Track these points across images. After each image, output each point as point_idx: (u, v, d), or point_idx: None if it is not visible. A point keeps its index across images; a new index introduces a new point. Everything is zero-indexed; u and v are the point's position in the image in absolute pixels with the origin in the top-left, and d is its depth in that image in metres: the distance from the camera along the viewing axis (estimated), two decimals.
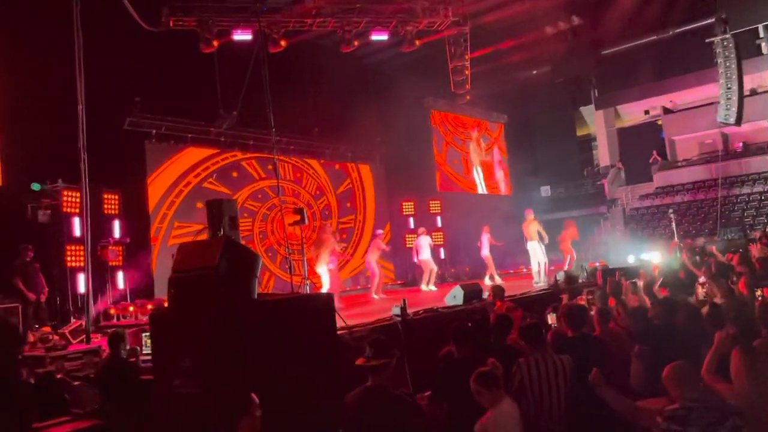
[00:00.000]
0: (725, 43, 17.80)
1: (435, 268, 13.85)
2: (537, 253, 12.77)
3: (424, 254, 13.55)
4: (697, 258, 11.62)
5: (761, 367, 3.65)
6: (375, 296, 12.53)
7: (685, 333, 4.89)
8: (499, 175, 21.76)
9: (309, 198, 15.97)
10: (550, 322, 5.51)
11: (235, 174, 14.32)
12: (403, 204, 17.93)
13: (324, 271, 10.94)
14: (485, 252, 14.25)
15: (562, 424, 4.18)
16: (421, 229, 14.28)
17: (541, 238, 12.83)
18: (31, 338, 8.30)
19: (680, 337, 4.77)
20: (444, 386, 4.40)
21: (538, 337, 4.47)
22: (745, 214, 19.94)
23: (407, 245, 17.37)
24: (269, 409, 3.38)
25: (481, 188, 21.04)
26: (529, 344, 4.44)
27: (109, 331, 9.27)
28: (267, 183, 14.79)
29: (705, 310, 5.57)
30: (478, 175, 20.93)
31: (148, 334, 6.49)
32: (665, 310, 5.18)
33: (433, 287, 13.45)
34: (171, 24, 12.84)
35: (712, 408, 3.27)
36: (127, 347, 6.18)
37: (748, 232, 17.90)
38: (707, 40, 18.62)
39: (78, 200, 10.63)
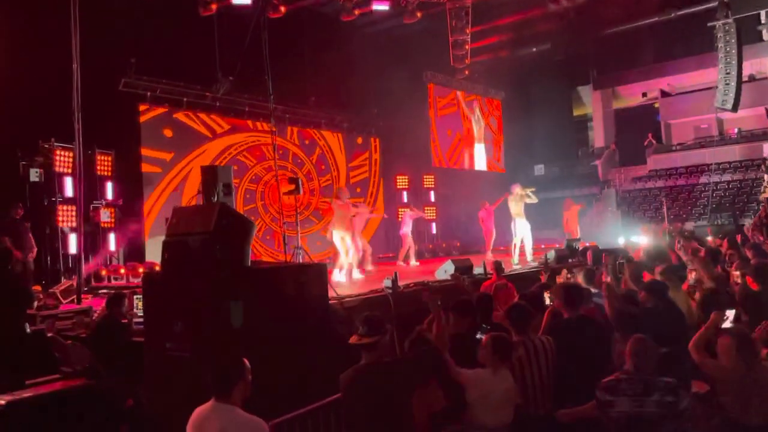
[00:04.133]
0: (727, 28, 17.69)
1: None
2: (524, 230, 12.53)
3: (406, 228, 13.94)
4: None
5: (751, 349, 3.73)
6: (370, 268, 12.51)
7: (669, 317, 4.95)
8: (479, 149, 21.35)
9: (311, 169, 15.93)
10: (547, 302, 5.50)
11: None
12: (397, 178, 17.91)
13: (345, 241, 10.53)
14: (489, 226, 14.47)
15: (550, 406, 4.20)
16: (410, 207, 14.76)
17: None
18: None
19: (665, 322, 4.82)
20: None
21: (525, 319, 4.36)
22: (736, 201, 20.08)
23: (399, 219, 17.41)
24: (261, 373, 3.43)
25: (482, 164, 20.88)
26: (514, 326, 4.32)
27: (101, 292, 9.35)
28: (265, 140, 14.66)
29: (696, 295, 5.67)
30: (479, 152, 20.78)
31: (140, 296, 6.51)
32: (654, 293, 5.20)
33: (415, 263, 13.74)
34: None
35: (641, 380, 3.44)
36: (125, 309, 6.18)
37: (738, 218, 18.04)
38: (709, 24, 18.51)
39: (71, 160, 10.57)
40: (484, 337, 4.13)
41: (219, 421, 2.97)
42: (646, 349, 3.53)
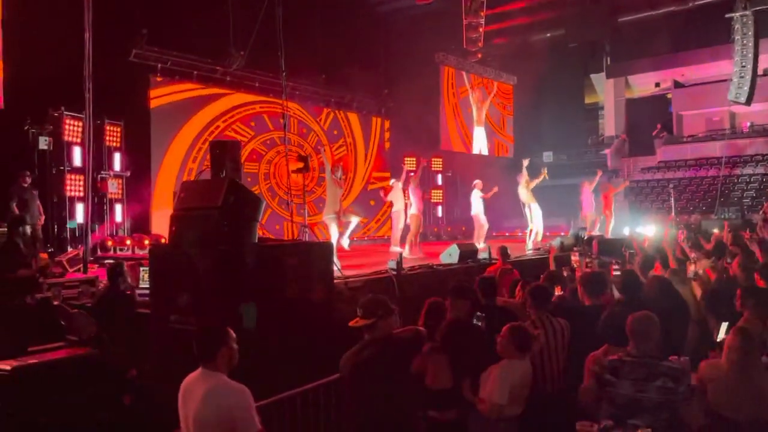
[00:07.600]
0: (744, 20, 17.42)
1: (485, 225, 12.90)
2: (537, 216, 12.51)
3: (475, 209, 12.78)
4: (692, 235, 11.69)
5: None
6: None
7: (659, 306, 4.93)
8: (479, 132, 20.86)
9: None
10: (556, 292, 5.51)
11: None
12: (406, 159, 17.83)
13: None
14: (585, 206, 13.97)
15: (563, 386, 4.21)
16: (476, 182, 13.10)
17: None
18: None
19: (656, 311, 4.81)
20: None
21: (546, 299, 4.43)
22: (745, 195, 19.96)
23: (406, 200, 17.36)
24: (265, 350, 3.45)
25: (480, 149, 20.61)
26: (537, 306, 4.33)
27: (106, 262, 9.38)
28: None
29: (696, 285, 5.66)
30: (478, 136, 20.53)
31: (146, 268, 6.54)
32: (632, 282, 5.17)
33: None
34: None
35: (644, 364, 3.39)
36: (126, 280, 6.20)
37: (746, 212, 17.95)
38: (726, 16, 18.23)
39: (80, 129, 10.57)
40: (481, 323, 4.14)
41: (204, 386, 3.06)
42: (647, 328, 3.48)
